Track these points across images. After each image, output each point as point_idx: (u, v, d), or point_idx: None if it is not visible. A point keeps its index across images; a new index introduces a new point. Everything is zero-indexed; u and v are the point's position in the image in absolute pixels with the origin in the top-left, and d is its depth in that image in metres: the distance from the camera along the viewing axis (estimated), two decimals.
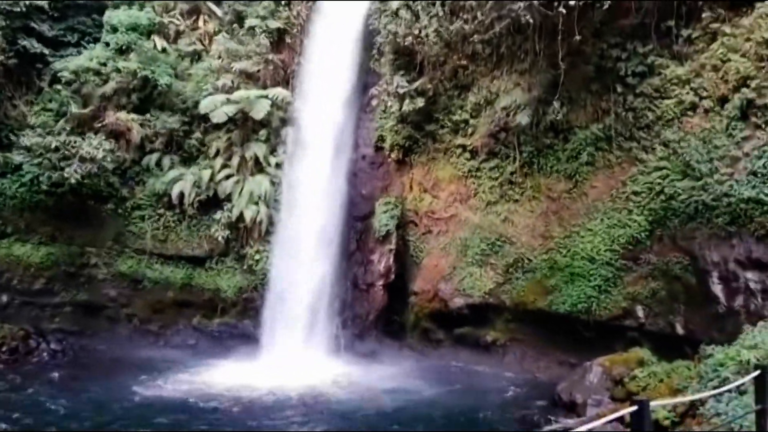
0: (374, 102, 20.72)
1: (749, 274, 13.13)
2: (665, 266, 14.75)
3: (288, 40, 22.44)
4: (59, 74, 21.57)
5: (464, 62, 19.04)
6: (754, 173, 13.20)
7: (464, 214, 18.82)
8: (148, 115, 21.66)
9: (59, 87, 21.64)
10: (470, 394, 15.40)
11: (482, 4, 17.06)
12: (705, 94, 14.69)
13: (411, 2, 19.17)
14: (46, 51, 22.29)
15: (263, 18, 22.30)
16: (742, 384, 7.62)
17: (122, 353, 19.27)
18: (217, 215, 20.77)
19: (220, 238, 20.66)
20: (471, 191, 18.82)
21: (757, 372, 5.81)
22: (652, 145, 15.38)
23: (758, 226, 12.93)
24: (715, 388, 8.71)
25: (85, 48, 22.68)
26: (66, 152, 19.89)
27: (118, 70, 21.45)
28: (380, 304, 19.60)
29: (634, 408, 4.11)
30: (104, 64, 21.58)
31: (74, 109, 21.15)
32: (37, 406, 14.36)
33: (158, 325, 20.99)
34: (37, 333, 19.73)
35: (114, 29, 22.28)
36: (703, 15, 14.94)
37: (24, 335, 19.18)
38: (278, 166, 21.11)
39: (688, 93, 14.96)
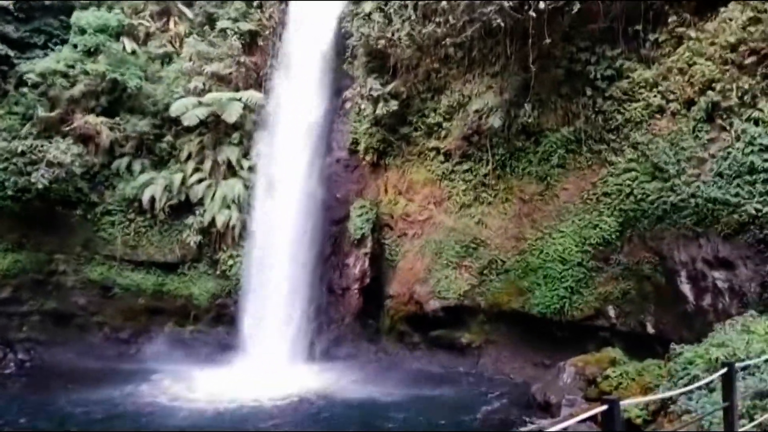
0: (348, 105, 20.70)
1: (717, 274, 13.40)
2: (635, 266, 14.98)
3: (260, 42, 22.31)
4: (25, 77, 21.10)
5: (437, 65, 19.14)
6: (720, 174, 13.49)
7: (439, 216, 18.89)
8: (117, 119, 21.31)
9: (25, 90, 21.16)
10: (446, 396, 15.43)
11: (454, 8, 17.17)
12: (672, 97, 14.99)
13: (384, 5, 19.22)
14: (12, 53, 21.80)
15: (235, 20, 22.15)
16: (711, 381, 7.75)
17: (93, 362, 18.87)
18: (189, 220, 20.51)
19: (192, 244, 20.40)
20: (445, 194, 18.90)
21: (725, 369, 5.92)
22: (621, 147, 15.63)
23: (724, 226, 13.21)
24: (685, 385, 8.85)
25: (52, 50, 22.24)
26: (33, 157, 19.47)
27: (86, 73, 21.06)
28: (356, 308, 19.55)
29: (605, 408, 4.14)
30: (72, 67, 21.17)
31: (41, 112, 20.69)
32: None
33: (129, 333, 20.61)
34: (4, 343, 19.27)
35: (82, 31, 21.88)
36: (669, 19, 15.26)
37: None
38: (251, 169, 20.93)
39: (655, 96, 15.24)
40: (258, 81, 22.14)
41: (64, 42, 22.45)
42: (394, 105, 19.22)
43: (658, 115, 15.21)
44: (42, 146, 19.61)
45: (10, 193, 19.84)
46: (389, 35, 18.83)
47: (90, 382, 16.83)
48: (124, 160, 21.25)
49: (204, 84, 21.48)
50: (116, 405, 15.05)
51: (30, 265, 20.49)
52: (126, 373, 17.81)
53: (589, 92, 16.15)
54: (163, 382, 16.91)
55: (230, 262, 20.21)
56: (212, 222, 20.28)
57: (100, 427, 13.49)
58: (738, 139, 13.41)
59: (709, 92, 14.12)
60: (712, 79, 14.18)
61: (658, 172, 14.67)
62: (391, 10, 19.06)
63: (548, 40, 15.43)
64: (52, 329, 20.42)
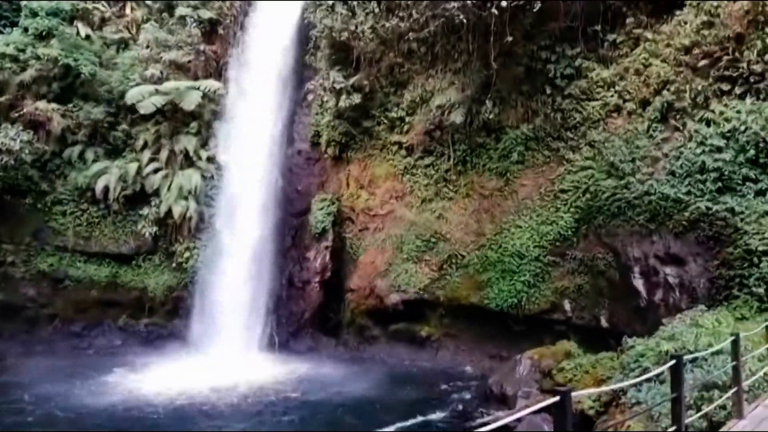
0: (310, 97, 20.52)
1: (668, 269, 13.79)
2: (590, 262, 15.31)
3: (221, 31, 21.89)
4: None
5: (400, 60, 19.14)
6: (673, 173, 13.87)
7: (400, 211, 18.93)
8: (70, 106, 20.62)
9: None
10: (405, 388, 15.51)
11: (417, 3, 17.20)
12: (628, 96, 15.34)
13: None
14: None
15: (195, 8, 21.68)
16: (661, 373, 7.98)
17: (44, 357, 18.18)
18: (144, 211, 20.03)
19: (147, 235, 19.94)
20: (407, 188, 18.95)
21: (673, 362, 6.08)
22: (578, 145, 15.93)
23: (676, 224, 13.60)
24: (636, 377, 9.09)
25: (1, 32, 21.34)
26: None
27: (37, 57, 20.29)
28: (316, 301, 19.46)
29: (557, 399, 4.19)
30: (22, 51, 20.37)
31: None
32: None
33: (82, 325, 20.02)
34: None
35: (33, 14, 21.06)
36: (627, 21, 15.61)
37: None
38: (209, 160, 20.56)
39: (612, 95, 15.58)
40: (218, 70, 21.74)
41: (14, 24, 21.57)
42: (356, 98, 19.15)
43: (614, 114, 15.55)
44: None
45: None
46: (353, 28, 18.72)
47: (43, 377, 16.22)
48: (77, 149, 20.59)
49: (161, 72, 20.97)
50: (72, 401, 14.55)
51: None
52: (80, 366, 17.27)
53: (548, 90, 16.41)
54: (118, 376, 16.47)
55: (187, 254, 19.82)
56: (168, 213, 19.85)
57: (62, 426, 12.99)
58: (690, 139, 13.81)
59: (664, 92, 14.50)
60: (666, 80, 14.57)
61: (613, 170, 15.00)
62: (355, 3, 18.97)
63: (510, 38, 15.60)
64: None
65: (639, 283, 14.30)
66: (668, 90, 14.45)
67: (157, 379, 16.12)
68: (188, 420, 13.30)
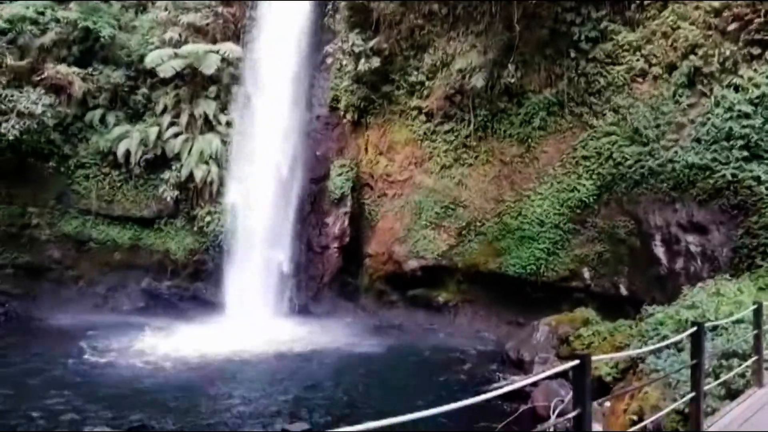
0: (329, 60, 20.30)
1: (690, 238, 13.66)
2: (611, 229, 15.20)
3: None
4: None
5: (421, 22, 18.79)
6: (698, 140, 13.61)
7: (419, 177, 18.87)
8: (90, 69, 20.64)
9: None
10: (422, 353, 15.70)
11: None
12: (654, 60, 14.97)
13: None
14: None
15: None
16: (680, 341, 7.97)
17: (69, 317, 18.68)
18: (166, 175, 20.18)
19: (168, 199, 20.13)
20: (426, 154, 18.83)
21: (694, 329, 6.06)
22: (602, 110, 15.66)
23: (700, 191, 13.41)
24: (654, 345, 9.07)
25: None
26: (2, 107, 18.82)
27: (57, 20, 20.27)
28: (335, 266, 19.63)
29: (576, 362, 4.21)
30: (42, 13, 20.33)
31: (10, 60, 19.89)
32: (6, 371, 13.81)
33: (106, 287, 20.45)
34: None
35: None
36: None
37: None
38: (229, 124, 20.56)
39: (638, 59, 15.21)
40: (236, 33, 21.53)
41: None
42: (376, 62, 18.91)
43: (640, 79, 15.22)
44: (12, 96, 18.94)
45: None
46: None
47: (68, 337, 16.71)
48: (98, 112, 20.69)
49: (180, 35, 20.85)
50: (98, 360, 14.96)
51: (2, 218, 20.05)
52: (104, 327, 17.68)
53: (572, 54, 16.06)
54: (143, 337, 16.87)
55: (208, 218, 20.01)
56: (190, 177, 19.98)
57: (84, 386, 13.27)
58: (717, 105, 13.50)
59: (692, 57, 14.13)
60: (694, 44, 14.17)
61: (637, 137, 14.76)
62: None
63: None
64: (26, 283, 20.14)
65: (660, 251, 14.20)
66: (696, 54, 14.07)
67: (177, 340, 16.46)
68: (205, 382, 13.55)
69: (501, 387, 4.30)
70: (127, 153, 20.12)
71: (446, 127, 18.45)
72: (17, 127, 18.63)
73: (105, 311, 19.56)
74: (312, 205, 20.32)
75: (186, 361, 14.83)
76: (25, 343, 16.36)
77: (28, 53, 20.25)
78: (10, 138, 18.72)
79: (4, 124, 18.62)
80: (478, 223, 17.62)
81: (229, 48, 20.56)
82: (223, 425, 11.17)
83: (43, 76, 19.88)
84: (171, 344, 16.12)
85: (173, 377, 13.84)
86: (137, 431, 10.65)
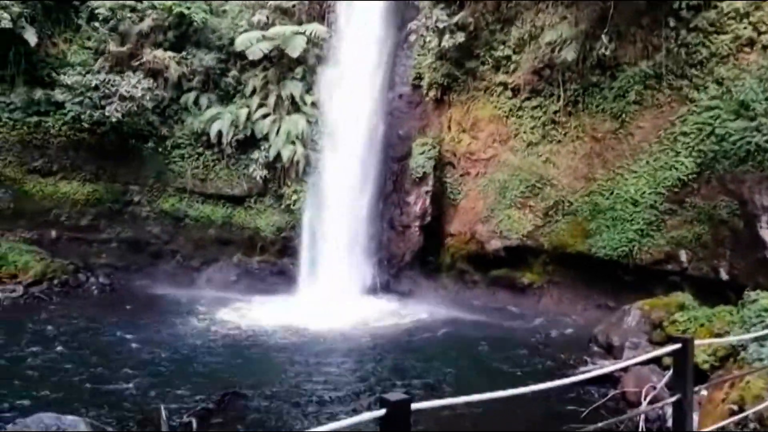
0: (412, 38, 20.14)
1: None
2: (712, 210, 14.28)
3: None
4: (96, 11, 21.48)
5: None
6: None
7: (504, 155, 18.46)
8: (184, 53, 21.58)
9: (96, 24, 21.60)
10: (505, 334, 15.50)
11: None
12: (764, 28, 13.82)
13: None
14: None
15: None
16: None
17: (167, 288, 19.91)
18: (255, 155, 20.87)
19: (258, 178, 20.84)
20: (511, 132, 18.37)
21: None
22: (704, 83, 14.64)
23: None
24: (757, 333, 8.50)
25: None
26: (106, 91, 20.06)
27: (153, 7, 21.28)
28: (416, 245, 19.66)
29: (678, 346, 3.99)
30: (140, 1, 21.41)
31: (112, 47, 21.17)
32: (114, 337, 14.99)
33: (200, 261, 21.56)
34: (86, 267, 20.52)
35: None
36: None
37: (74, 269, 20.00)
38: (314, 105, 20.93)
39: (745, 27, 14.08)
40: (321, 14, 21.77)
41: None
42: (460, 37, 18.55)
43: (747, 49, 14.09)
44: (114, 80, 20.14)
45: (86, 126, 20.65)
46: None
47: (168, 306, 17.95)
48: (192, 95, 21.64)
49: (267, 17, 21.34)
50: (195, 328, 15.90)
51: (106, 195, 21.53)
52: (199, 299, 18.76)
53: (672, 23, 15.05)
54: (237, 309, 17.74)
55: (294, 197, 20.58)
56: (277, 157, 20.57)
57: (184, 349, 14.21)
58: None
59: None
60: None
61: (743, 110, 13.70)
62: None
63: None
64: (128, 256, 21.61)
65: (766, 233, 13.21)
66: None
67: (270, 314, 17.09)
68: (303, 352, 14.07)
69: (590, 371, 4.15)
70: (219, 134, 20.96)
71: (533, 102, 17.89)
72: (119, 110, 19.81)
73: (200, 284, 20.63)
74: (394, 183, 20.39)
75: (286, 331, 15.56)
76: (142, 311, 17.42)
77: (128, 39, 21.43)
78: (113, 120, 19.95)
79: (107, 107, 19.86)
80: (567, 203, 17.06)
81: (314, 28, 20.84)
82: (323, 391, 11.58)
83: (141, 61, 21.00)
84: (267, 316, 16.78)
85: (273, 347, 14.53)
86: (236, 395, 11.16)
